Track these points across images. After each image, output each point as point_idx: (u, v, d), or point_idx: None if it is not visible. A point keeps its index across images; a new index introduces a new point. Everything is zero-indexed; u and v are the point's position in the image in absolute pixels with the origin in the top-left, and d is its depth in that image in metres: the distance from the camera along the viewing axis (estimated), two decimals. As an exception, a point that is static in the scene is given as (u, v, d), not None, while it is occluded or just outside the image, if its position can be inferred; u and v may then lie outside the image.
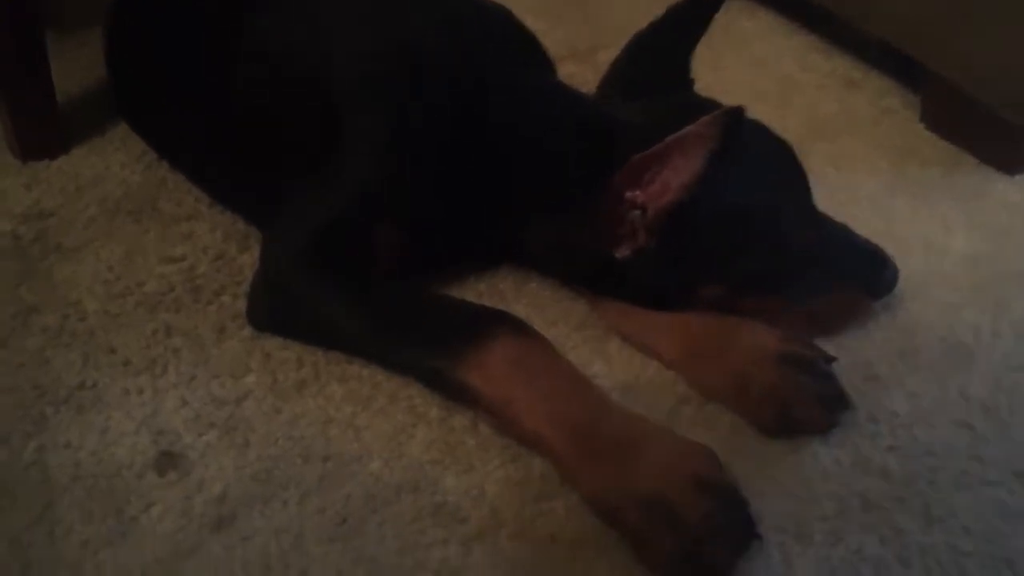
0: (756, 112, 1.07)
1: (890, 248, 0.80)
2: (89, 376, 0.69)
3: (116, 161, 0.90)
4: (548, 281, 0.81)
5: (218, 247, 0.82)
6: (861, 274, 0.78)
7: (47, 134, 0.90)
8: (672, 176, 0.69)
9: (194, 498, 0.61)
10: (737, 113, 0.66)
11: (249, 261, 0.80)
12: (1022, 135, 0.98)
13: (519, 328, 0.68)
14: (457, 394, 0.67)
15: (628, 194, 0.71)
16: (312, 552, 0.59)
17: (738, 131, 0.67)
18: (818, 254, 0.76)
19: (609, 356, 0.75)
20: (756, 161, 0.75)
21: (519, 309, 0.79)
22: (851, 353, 0.76)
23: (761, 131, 0.78)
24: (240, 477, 0.63)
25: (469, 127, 0.76)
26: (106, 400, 0.68)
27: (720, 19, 1.28)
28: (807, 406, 0.69)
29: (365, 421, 0.68)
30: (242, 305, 0.76)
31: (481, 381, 0.65)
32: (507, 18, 0.85)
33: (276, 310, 0.73)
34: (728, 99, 0.73)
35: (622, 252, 0.73)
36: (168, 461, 0.64)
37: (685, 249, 0.73)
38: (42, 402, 0.67)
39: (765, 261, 0.75)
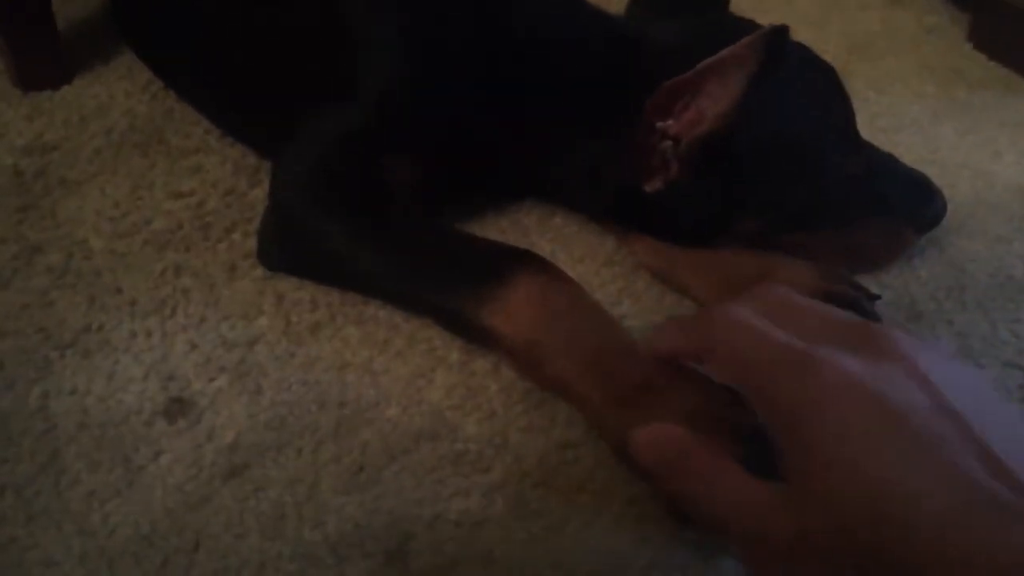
0: (794, 32, 1.02)
1: (936, 177, 0.75)
2: (95, 318, 0.66)
3: (121, 90, 0.86)
4: (574, 216, 0.77)
5: (228, 182, 0.78)
6: (907, 206, 0.74)
7: (48, 63, 0.85)
8: (707, 103, 0.65)
9: (204, 446, 0.59)
10: (780, 33, 0.61)
11: (261, 196, 0.77)
12: (1079, 55, 0.93)
13: (544, 267, 0.64)
14: (478, 337, 0.64)
15: (659, 124, 0.67)
16: (328, 503, 0.56)
17: (781, 53, 0.62)
18: (862, 184, 0.72)
19: (638, 294, 0.72)
20: (797, 86, 0.70)
21: (544, 245, 0.75)
22: (895, 290, 0.72)
23: (802, 53, 0.73)
24: (252, 424, 0.60)
25: (489, 47, 0.71)
26: (113, 344, 0.65)
27: (755, -67, 1.22)
28: None
29: (382, 365, 0.65)
30: (254, 243, 0.73)
31: (503, 323, 0.61)
32: None
33: (286, 248, 0.69)
34: (765, 18, 0.68)
35: (652, 185, 0.69)
36: (178, 408, 0.61)
37: (721, 181, 0.68)
38: (47, 346, 0.64)
39: (806, 192, 0.70)
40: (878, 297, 0.69)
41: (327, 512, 0.56)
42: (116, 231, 0.73)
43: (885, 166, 0.74)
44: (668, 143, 0.67)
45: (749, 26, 0.69)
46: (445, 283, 0.65)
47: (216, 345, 0.65)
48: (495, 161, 0.73)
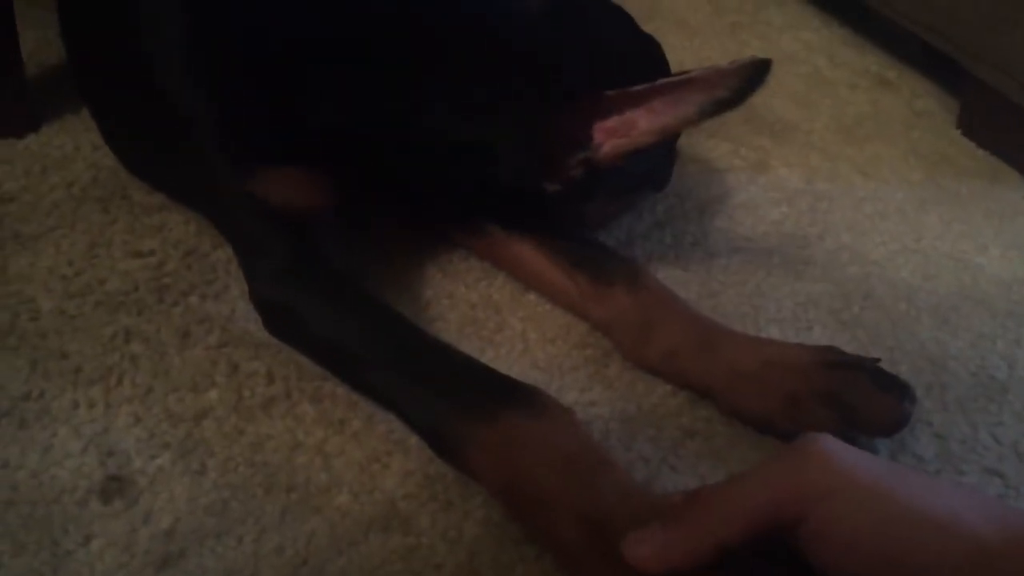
0: (780, 112, 1.01)
1: (920, 268, 0.73)
2: (36, 385, 0.63)
3: (88, 141, 0.84)
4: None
5: (190, 242, 0.75)
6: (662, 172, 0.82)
7: (13, 111, 0.82)
8: (645, 117, 0.63)
9: (139, 531, 0.55)
10: (762, 68, 0.59)
11: (223, 257, 0.74)
12: (1068, 147, 0.92)
13: (546, 410, 0.56)
14: (463, 469, 0.58)
15: (580, 129, 0.66)
16: (266, 598, 0.53)
17: (757, 85, 0.60)
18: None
19: (609, 380, 0.69)
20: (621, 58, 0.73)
21: (515, 323, 0.73)
22: (874, 388, 0.70)
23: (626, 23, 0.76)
24: (193, 508, 0.57)
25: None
26: (53, 413, 0.61)
27: (747, 7, 1.22)
28: (873, 400, 0.63)
29: (336, 447, 0.62)
30: (211, 307, 0.70)
31: (491, 466, 0.55)
32: None
33: (284, 326, 0.66)
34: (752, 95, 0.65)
35: (553, 186, 0.67)
36: (114, 487, 0.57)
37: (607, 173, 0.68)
38: (-19, 414, 0.61)
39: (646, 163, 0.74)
40: (879, 360, 0.67)
41: (265, 609, 0.53)
42: (67, 291, 0.70)
43: None
44: (584, 153, 0.66)
45: (610, 13, 0.74)
46: (440, 405, 0.58)
47: (161, 419, 0.62)
48: (385, 162, 0.70)
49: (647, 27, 0.78)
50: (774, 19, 1.20)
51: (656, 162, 0.78)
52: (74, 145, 0.83)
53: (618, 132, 0.65)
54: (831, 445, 0.46)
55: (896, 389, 0.64)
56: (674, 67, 0.75)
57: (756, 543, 0.46)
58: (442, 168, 0.70)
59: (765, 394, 0.65)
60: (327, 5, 0.67)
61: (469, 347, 0.70)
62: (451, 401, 0.57)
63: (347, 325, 0.62)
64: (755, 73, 0.59)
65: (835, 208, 0.88)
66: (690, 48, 1.11)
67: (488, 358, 0.69)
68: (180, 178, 0.75)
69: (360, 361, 0.61)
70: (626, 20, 0.76)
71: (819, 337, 0.74)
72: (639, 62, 0.75)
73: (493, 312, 0.73)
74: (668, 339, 0.68)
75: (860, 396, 0.63)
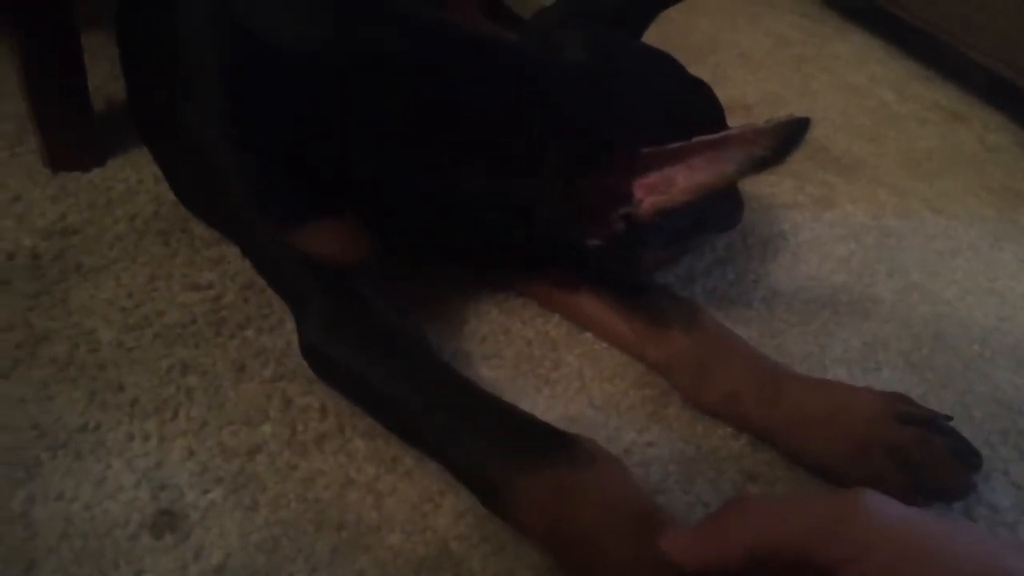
0: (848, 148, 0.99)
1: (994, 308, 0.70)
2: (93, 417, 0.63)
3: (151, 175, 0.85)
4: (604, 331, 0.74)
5: (248, 275, 0.75)
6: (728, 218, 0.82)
7: (80, 144, 0.84)
8: (684, 173, 0.62)
9: (189, 567, 0.55)
10: (801, 126, 0.57)
11: (280, 292, 0.74)
12: None
13: (591, 459, 0.55)
14: (509, 520, 0.57)
15: (619, 186, 0.64)
16: (314, 640, 0.52)
17: (796, 144, 0.57)
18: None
19: (668, 421, 0.67)
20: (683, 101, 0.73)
21: (571, 360, 0.71)
22: (946, 433, 0.67)
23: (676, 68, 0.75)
24: (244, 545, 0.56)
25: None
26: (108, 446, 0.61)
27: (812, 40, 1.20)
28: (943, 464, 0.61)
29: (388, 485, 0.61)
30: (267, 340, 0.70)
31: (536, 518, 0.54)
32: None
33: (332, 375, 0.66)
34: (819, 128, 0.63)
35: (593, 242, 0.66)
36: (166, 521, 0.57)
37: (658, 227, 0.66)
38: (39, 445, 0.61)
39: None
40: (951, 418, 0.64)
41: (312, 651, 0.51)
42: (127, 323, 0.70)
43: None
44: (625, 209, 0.64)
45: (655, 61, 0.73)
46: (486, 456, 0.57)
47: (215, 453, 0.61)
48: (419, 212, 0.69)
49: (708, 61, 0.77)
50: (840, 52, 1.18)
51: (703, 213, 0.76)
52: (138, 178, 0.84)
53: (658, 188, 0.63)
54: (878, 503, 0.44)
55: (968, 457, 0.62)
56: (738, 101, 0.73)
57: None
58: (482, 223, 0.69)
59: (831, 440, 0.63)
60: (364, 67, 0.66)
61: (525, 384, 0.69)
62: (496, 452, 0.56)
63: (393, 376, 0.62)
64: (793, 132, 0.57)
65: (904, 245, 0.85)
66: (753, 81, 1.09)
67: (544, 396, 0.68)
68: (229, 225, 0.75)
69: (406, 411, 0.61)
70: (672, 66, 0.75)
71: (887, 379, 0.72)
72: (688, 109, 0.73)
73: (549, 349, 0.72)
74: (728, 381, 0.66)
75: (931, 459, 0.61)
